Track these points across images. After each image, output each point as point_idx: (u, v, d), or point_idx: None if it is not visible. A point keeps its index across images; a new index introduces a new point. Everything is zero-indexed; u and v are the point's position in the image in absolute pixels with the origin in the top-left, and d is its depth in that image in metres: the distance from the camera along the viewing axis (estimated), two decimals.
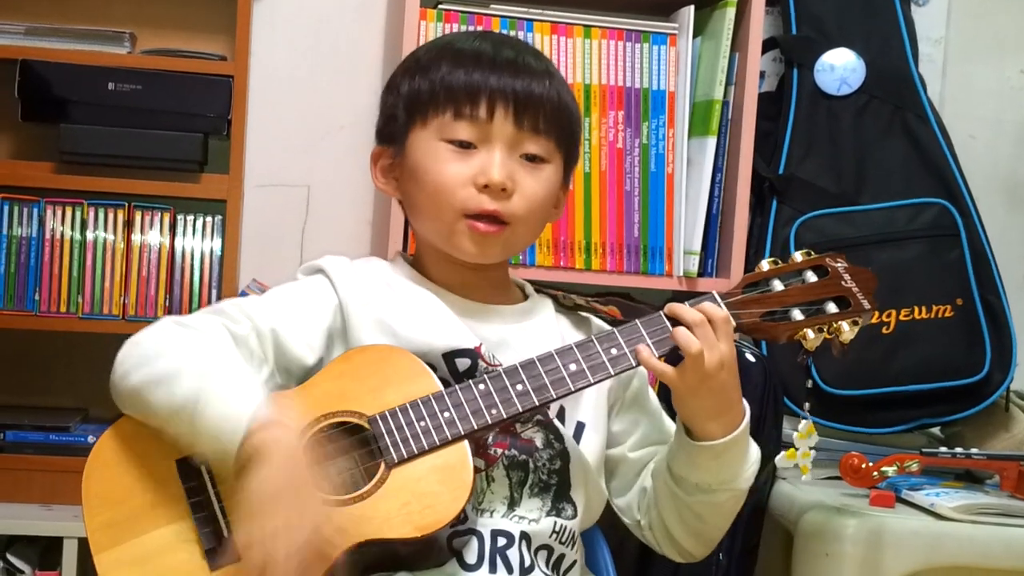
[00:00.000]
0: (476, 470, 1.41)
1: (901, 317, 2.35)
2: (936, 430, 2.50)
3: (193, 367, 1.36)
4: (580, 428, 1.53)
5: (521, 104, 1.48)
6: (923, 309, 2.36)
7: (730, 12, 2.33)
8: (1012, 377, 2.39)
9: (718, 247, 2.37)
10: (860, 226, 2.41)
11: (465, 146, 1.48)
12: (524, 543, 1.45)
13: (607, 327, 1.56)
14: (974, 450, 2.16)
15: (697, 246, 2.33)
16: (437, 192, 1.49)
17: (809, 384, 1.82)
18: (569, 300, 1.60)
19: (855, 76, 2.48)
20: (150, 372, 1.37)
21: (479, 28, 2.27)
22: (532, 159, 1.50)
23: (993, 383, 2.38)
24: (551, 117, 1.50)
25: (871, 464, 1.99)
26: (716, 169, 2.35)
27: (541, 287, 1.63)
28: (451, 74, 1.49)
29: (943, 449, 2.20)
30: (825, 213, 2.42)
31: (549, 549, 1.47)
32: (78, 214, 2.37)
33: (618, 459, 1.60)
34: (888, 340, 2.35)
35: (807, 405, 1.75)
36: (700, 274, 2.34)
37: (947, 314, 2.37)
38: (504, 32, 2.26)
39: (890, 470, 2.00)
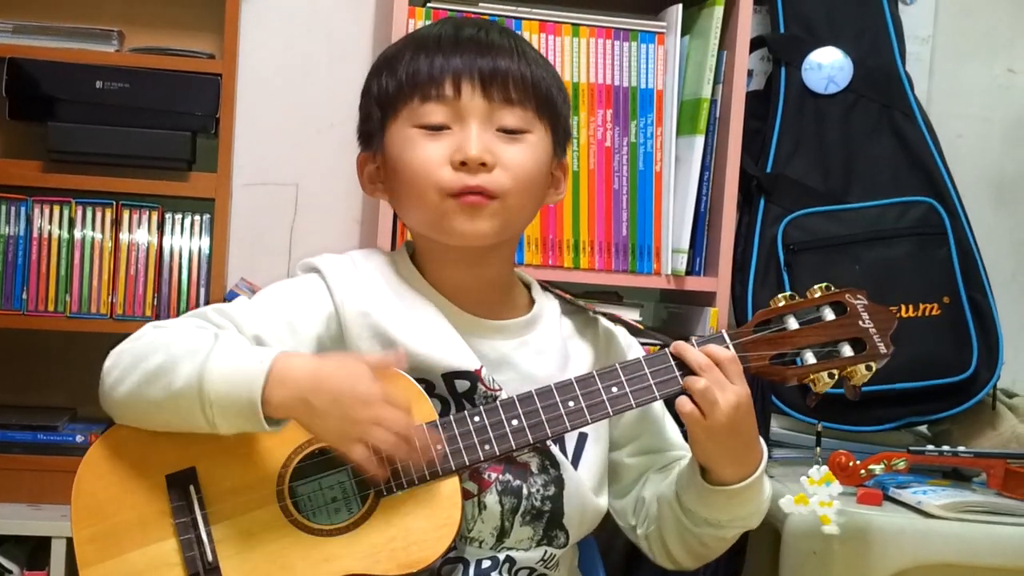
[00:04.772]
0: (468, 494, 1.40)
1: None
2: (923, 428, 2.50)
3: (185, 354, 1.34)
4: (582, 439, 1.51)
5: (487, 78, 1.45)
6: (910, 307, 2.36)
7: (718, 11, 2.32)
8: (999, 375, 2.40)
9: (706, 245, 2.37)
10: (847, 224, 2.41)
11: (438, 129, 1.45)
12: (507, 565, 1.44)
13: (614, 327, 1.55)
14: (961, 448, 2.16)
15: (685, 244, 2.32)
16: (416, 177, 1.45)
17: (820, 428, 1.74)
18: (577, 304, 1.58)
19: (843, 75, 2.48)
20: (143, 371, 1.36)
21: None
22: (510, 132, 1.46)
23: (980, 381, 2.38)
24: (522, 87, 1.46)
25: (858, 462, 1.99)
26: (704, 167, 2.35)
27: (548, 285, 1.60)
28: (414, 62, 1.47)
29: (930, 447, 2.20)
30: (812, 211, 2.42)
31: (531, 570, 1.47)
32: (66, 213, 2.36)
33: (616, 463, 1.59)
34: None
35: (818, 450, 1.68)
36: (688, 272, 2.34)
37: (934, 312, 2.37)
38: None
39: (877, 468, 2.00)
